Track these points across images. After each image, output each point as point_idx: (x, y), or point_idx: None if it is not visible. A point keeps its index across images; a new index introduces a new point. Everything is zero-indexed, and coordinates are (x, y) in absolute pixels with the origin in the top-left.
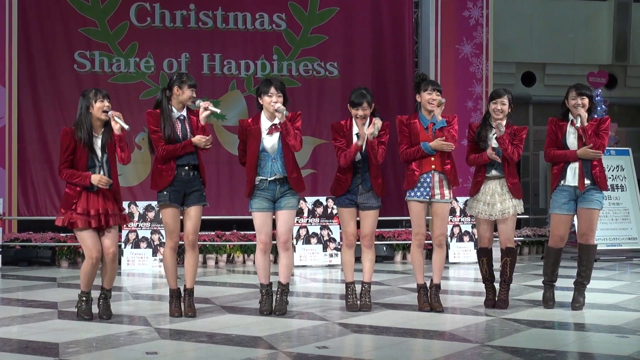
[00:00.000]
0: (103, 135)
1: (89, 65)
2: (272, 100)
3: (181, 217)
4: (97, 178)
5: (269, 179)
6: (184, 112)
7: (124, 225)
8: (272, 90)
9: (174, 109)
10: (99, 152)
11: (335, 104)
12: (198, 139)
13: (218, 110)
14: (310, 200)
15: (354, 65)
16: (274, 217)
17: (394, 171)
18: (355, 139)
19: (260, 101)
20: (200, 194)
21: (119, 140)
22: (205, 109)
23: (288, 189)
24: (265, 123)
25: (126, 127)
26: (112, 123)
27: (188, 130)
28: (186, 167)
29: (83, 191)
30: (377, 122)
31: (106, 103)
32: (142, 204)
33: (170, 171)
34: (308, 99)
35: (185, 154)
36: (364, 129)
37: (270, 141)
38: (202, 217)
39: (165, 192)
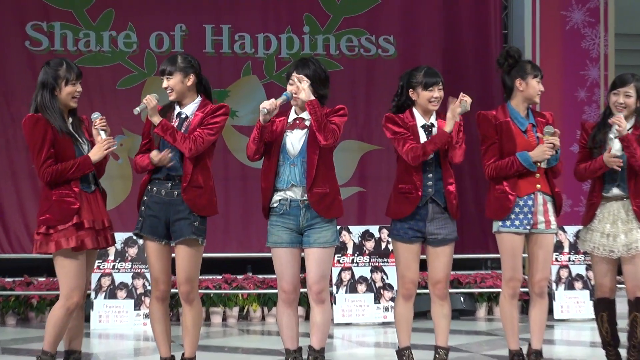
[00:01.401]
0: (72, 123)
1: (45, 41)
2: (292, 89)
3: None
4: (155, 154)
5: (289, 199)
6: (190, 108)
7: (95, 267)
8: (295, 75)
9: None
10: (85, 141)
11: (392, 92)
12: (154, 154)
13: (140, 106)
14: (357, 230)
15: (417, 39)
16: (303, 254)
17: (474, 189)
18: (423, 136)
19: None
20: (188, 224)
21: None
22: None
23: (318, 215)
24: (291, 115)
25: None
26: (94, 132)
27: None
28: (168, 183)
29: (82, 192)
30: (467, 97)
31: (79, 88)
32: (120, 237)
33: (145, 186)
34: (353, 87)
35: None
36: (452, 105)
37: (292, 138)
38: (206, 255)
39: (140, 218)
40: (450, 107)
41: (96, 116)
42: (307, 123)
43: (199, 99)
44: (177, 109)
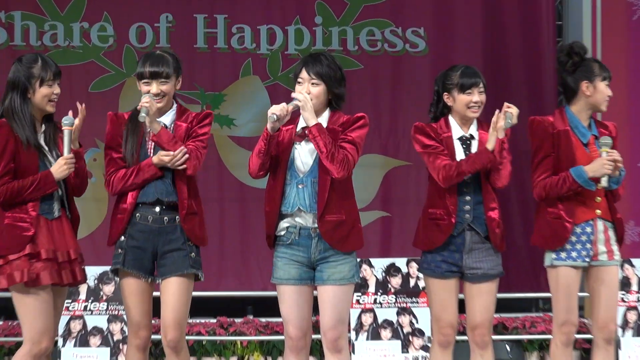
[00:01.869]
0: (46, 131)
1: (3, 35)
2: (302, 90)
3: (159, 294)
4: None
5: (299, 226)
6: (169, 117)
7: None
8: (304, 74)
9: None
10: (56, 155)
11: (422, 96)
12: (161, 154)
13: (141, 114)
14: (380, 264)
15: (453, 32)
16: (315, 292)
17: (522, 214)
18: (459, 150)
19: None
20: (184, 256)
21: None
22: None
23: (332, 247)
24: (300, 124)
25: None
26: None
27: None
28: (156, 208)
29: (41, 218)
30: (512, 108)
31: (56, 89)
32: (93, 271)
33: (125, 213)
34: (375, 90)
35: (145, 181)
36: (496, 119)
37: (302, 152)
38: (196, 294)
39: (119, 251)
40: (492, 120)
41: (67, 122)
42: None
43: (175, 106)
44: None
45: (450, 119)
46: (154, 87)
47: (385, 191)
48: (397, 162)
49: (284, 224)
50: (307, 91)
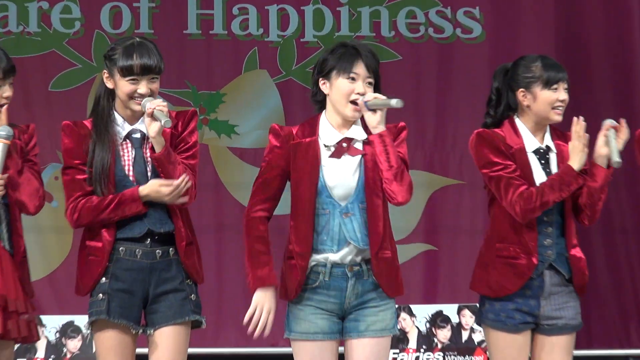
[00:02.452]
0: None
1: None
2: (357, 91)
3: (146, 350)
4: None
5: (330, 264)
6: (140, 125)
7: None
8: (361, 68)
9: (118, 117)
10: None
11: (478, 95)
12: (158, 185)
13: (164, 119)
14: (424, 312)
15: (517, 14)
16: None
17: (604, 248)
18: (537, 168)
19: (324, 88)
20: (182, 299)
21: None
22: (151, 115)
23: (373, 287)
24: (328, 134)
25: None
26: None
27: (148, 164)
28: (146, 241)
29: None
30: (623, 131)
31: (7, 91)
32: (54, 322)
33: (101, 254)
34: (417, 86)
35: (123, 218)
36: (579, 129)
37: (338, 171)
38: (192, 352)
39: (100, 296)
40: (574, 130)
41: (2, 135)
42: (359, 145)
43: None
44: (124, 126)
45: (519, 123)
46: (143, 87)
47: (430, 218)
48: (445, 181)
49: (312, 260)
50: (363, 91)
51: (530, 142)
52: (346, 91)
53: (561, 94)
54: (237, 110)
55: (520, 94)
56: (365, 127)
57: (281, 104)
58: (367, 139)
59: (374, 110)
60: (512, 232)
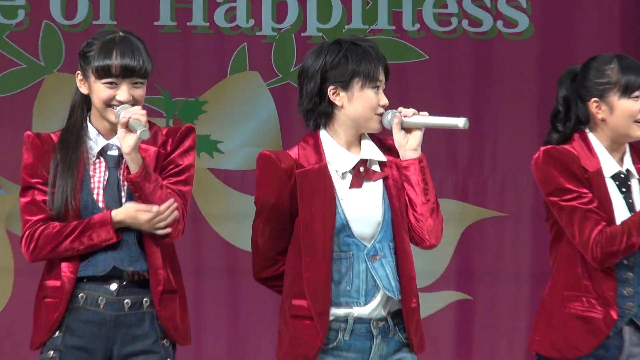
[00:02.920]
0: None
1: None
2: (384, 103)
3: None
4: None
5: (352, 319)
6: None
7: None
8: (382, 74)
9: (92, 129)
10: None
11: (525, 103)
12: (134, 210)
13: (141, 129)
14: None
15: (573, 8)
16: None
17: None
18: (617, 197)
19: (337, 99)
20: None
21: None
22: (126, 125)
23: (399, 347)
24: (339, 157)
25: None
26: None
27: (123, 188)
28: (111, 285)
29: None
30: None
31: None
32: None
33: (59, 294)
34: (448, 92)
35: (91, 248)
36: None
37: (359, 203)
38: None
39: (51, 354)
40: None
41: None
42: (376, 167)
43: None
44: (97, 140)
45: (593, 139)
46: (123, 92)
47: (463, 260)
48: (482, 213)
49: (333, 312)
50: (385, 103)
51: (608, 164)
52: (374, 104)
53: None
54: (221, 122)
55: (592, 104)
56: (380, 143)
57: (276, 114)
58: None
59: (406, 129)
60: (585, 277)
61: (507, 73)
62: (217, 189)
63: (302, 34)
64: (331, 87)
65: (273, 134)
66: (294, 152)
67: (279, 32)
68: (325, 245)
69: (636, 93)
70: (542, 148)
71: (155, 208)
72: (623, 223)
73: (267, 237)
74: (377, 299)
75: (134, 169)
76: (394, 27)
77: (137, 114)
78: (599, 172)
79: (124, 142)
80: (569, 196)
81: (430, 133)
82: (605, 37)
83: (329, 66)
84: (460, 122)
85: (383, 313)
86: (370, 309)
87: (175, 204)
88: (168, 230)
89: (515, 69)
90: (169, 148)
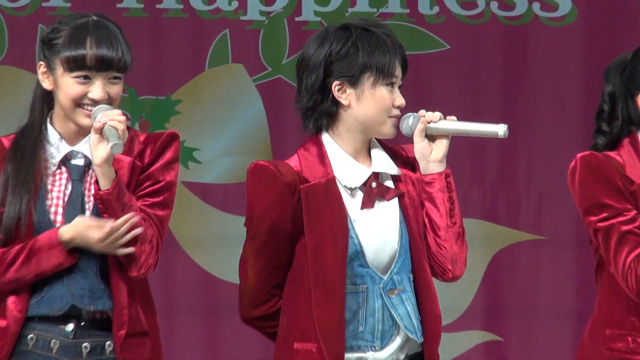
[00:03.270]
0: None
1: None
2: (400, 103)
3: None
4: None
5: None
6: (85, 146)
7: None
8: (398, 69)
9: (53, 133)
10: None
11: (566, 100)
12: (85, 226)
13: (114, 141)
14: None
15: None
16: None
17: None
18: None
19: (343, 98)
20: None
21: None
22: (100, 131)
23: None
24: (347, 169)
25: None
26: None
27: (88, 205)
28: (67, 325)
29: None
30: None
31: None
32: None
33: (6, 335)
34: (475, 90)
35: (41, 276)
36: None
37: (374, 227)
38: None
39: None
40: None
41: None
42: (389, 182)
43: None
44: (60, 146)
45: None
46: (97, 88)
47: (492, 293)
48: (515, 236)
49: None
50: (404, 102)
51: None
52: (388, 104)
53: None
54: (198, 125)
55: None
56: (391, 152)
57: (265, 116)
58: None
59: (431, 137)
60: (631, 313)
61: (545, 66)
62: (194, 207)
63: (297, 19)
64: (336, 82)
65: (261, 140)
66: (294, 163)
67: (268, 17)
68: (337, 276)
69: None
70: (579, 155)
71: (109, 224)
72: None
73: (262, 268)
74: (397, 341)
75: (104, 184)
76: (407, 11)
77: (115, 120)
78: None
79: (96, 151)
80: (606, 214)
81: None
82: None
83: (335, 56)
84: (501, 129)
85: (401, 357)
86: (388, 353)
87: (136, 218)
88: (130, 249)
89: (554, 60)
90: (146, 159)
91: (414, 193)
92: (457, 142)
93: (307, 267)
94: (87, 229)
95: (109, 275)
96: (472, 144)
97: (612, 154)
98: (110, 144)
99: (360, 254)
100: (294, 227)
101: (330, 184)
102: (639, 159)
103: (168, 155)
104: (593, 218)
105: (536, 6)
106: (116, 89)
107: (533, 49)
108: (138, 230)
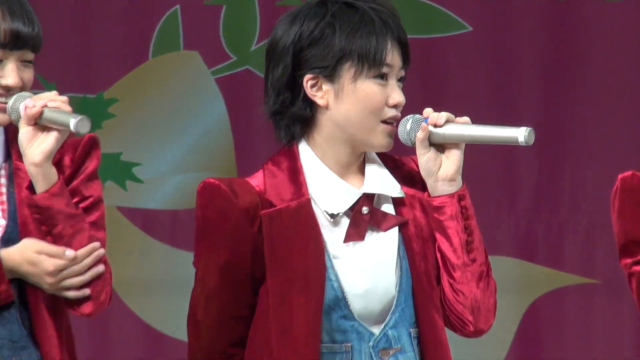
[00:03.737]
0: None
1: None
2: (396, 101)
3: None
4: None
5: None
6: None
7: None
8: (396, 55)
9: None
10: None
11: (628, 97)
12: (35, 250)
13: (69, 118)
14: None
15: None
16: None
17: None
18: None
19: (318, 96)
20: None
21: None
22: (35, 120)
23: None
24: (329, 188)
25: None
26: None
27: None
28: None
29: None
30: None
31: None
32: None
33: None
34: (504, 82)
35: None
36: None
37: (361, 266)
38: None
39: None
40: None
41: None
42: (389, 206)
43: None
44: None
45: None
46: (11, 73)
47: (530, 350)
48: (559, 278)
49: None
50: (402, 99)
51: None
52: (378, 104)
53: None
54: (139, 132)
55: None
56: (396, 167)
57: (228, 119)
58: (402, 192)
59: (439, 146)
60: None
61: (598, 53)
62: (132, 241)
63: None
64: (309, 75)
65: (223, 151)
66: (257, 181)
67: None
68: (309, 332)
69: None
70: (620, 175)
71: (70, 252)
72: None
73: (215, 321)
74: None
75: (42, 187)
76: None
77: (55, 99)
78: None
79: (33, 147)
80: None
81: (471, 151)
82: None
83: (306, 41)
84: (521, 133)
85: None
86: None
87: (102, 251)
88: (85, 292)
89: (611, 46)
90: (67, 171)
91: (423, 221)
92: (483, 154)
93: (270, 319)
94: (36, 255)
95: (32, 318)
96: (501, 157)
97: None
98: (73, 122)
99: (342, 301)
100: (255, 266)
101: (303, 208)
102: None
103: (91, 165)
104: (628, 260)
105: None
106: (29, 75)
107: (580, 30)
108: (101, 268)
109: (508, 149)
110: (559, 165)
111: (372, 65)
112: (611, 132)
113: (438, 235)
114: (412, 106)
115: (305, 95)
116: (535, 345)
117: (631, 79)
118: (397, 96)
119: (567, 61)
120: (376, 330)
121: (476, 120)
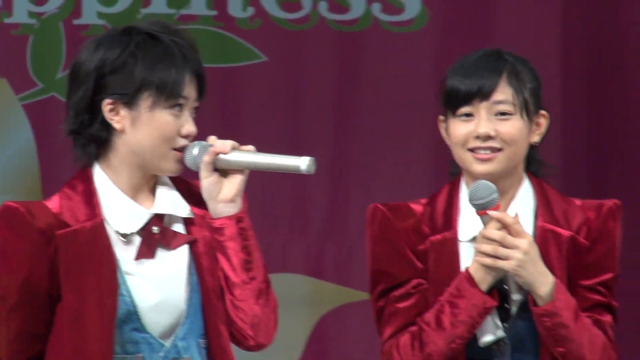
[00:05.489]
0: None
1: None
2: (188, 132)
3: None
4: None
5: None
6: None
7: None
8: (192, 87)
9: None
10: None
11: (418, 120)
12: None
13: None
14: None
15: None
16: None
17: None
18: None
19: (115, 121)
20: None
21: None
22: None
23: None
24: (120, 210)
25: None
26: None
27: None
28: None
29: None
30: None
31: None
32: None
33: None
34: (297, 112)
35: None
36: None
37: (153, 282)
38: None
39: None
40: None
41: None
42: (179, 226)
43: None
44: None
45: None
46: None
47: None
48: (346, 295)
49: None
50: (190, 132)
51: None
52: (171, 133)
53: None
54: None
55: None
56: (188, 190)
57: (34, 144)
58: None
59: (223, 171)
60: None
61: (386, 81)
62: None
63: (75, 22)
64: (108, 100)
65: (28, 175)
66: (53, 204)
67: (39, 19)
68: (103, 344)
69: None
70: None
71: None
72: None
73: (14, 336)
74: None
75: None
76: (215, 13)
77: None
78: None
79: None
80: None
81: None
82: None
83: (109, 68)
84: (303, 162)
85: None
86: None
87: None
88: None
89: (399, 73)
90: None
91: (212, 240)
92: (277, 180)
93: (65, 335)
94: None
95: None
96: (294, 183)
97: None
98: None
99: (134, 315)
100: (52, 284)
101: (97, 229)
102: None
103: None
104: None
105: (376, 7)
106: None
107: (371, 59)
108: None
109: (303, 176)
110: (346, 191)
111: (170, 96)
112: (399, 158)
113: (219, 255)
114: (206, 132)
115: (103, 118)
116: (324, 357)
117: (419, 102)
118: (190, 127)
119: (357, 89)
120: (166, 341)
121: (266, 148)
